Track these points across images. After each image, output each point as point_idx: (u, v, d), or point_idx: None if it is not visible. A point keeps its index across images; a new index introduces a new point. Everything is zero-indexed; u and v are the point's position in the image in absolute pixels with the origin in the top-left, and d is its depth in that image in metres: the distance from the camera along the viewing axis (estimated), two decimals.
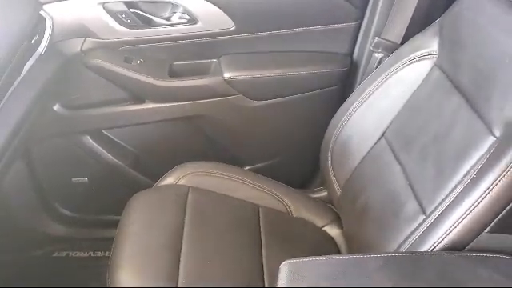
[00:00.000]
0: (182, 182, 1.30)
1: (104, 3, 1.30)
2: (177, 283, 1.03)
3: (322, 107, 1.42)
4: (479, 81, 0.95)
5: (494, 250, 0.79)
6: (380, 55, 1.32)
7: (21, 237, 1.51)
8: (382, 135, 1.20)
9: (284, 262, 0.76)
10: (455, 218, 0.81)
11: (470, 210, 0.79)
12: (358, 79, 1.40)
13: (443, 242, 0.81)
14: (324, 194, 1.43)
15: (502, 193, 0.78)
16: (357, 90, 1.28)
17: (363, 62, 1.39)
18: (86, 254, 1.60)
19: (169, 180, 1.31)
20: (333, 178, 1.31)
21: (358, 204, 1.18)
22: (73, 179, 1.53)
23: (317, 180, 1.60)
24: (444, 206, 0.84)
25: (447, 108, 1.02)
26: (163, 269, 1.06)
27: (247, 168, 1.56)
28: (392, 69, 1.20)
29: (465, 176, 0.85)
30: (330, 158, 1.32)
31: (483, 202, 0.79)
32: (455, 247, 0.80)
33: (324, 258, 0.75)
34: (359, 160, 1.23)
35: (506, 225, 0.80)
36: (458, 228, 0.80)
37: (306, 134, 1.48)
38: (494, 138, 0.85)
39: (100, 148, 1.49)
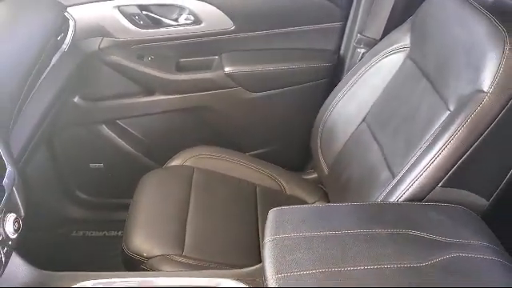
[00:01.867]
0: (187, 163, 1.46)
1: (119, 6, 1.47)
2: (183, 248, 1.18)
3: (313, 98, 1.57)
4: (440, 67, 1.11)
5: (445, 201, 0.95)
6: (362, 50, 1.48)
7: (44, 217, 1.65)
8: (363, 119, 1.35)
9: (271, 210, 0.93)
10: (414, 175, 0.97)
11: (426, 168, 0.95)
12: (344, 72, 1.55)
13: (404, 196, 0.97)
14: (314, 175, 1.58)
15: (451, 154, 0.94)
16: (341, 82, 1.43)
17: (348, 57, 1.55)
18: (100, 234, 1.74)
19: (176, 161, 1.47)
20: (321, 159, 1.46)
21: (341, 180, 1.33)
22: (90, 164, 1.69)
23: (308, 164, 1.74)
24: (406, 167, 1.00)
25: (416, 92, 1.18)
26: (171, 234, 1.21)
27: (247, 154, 1.71)
28: (371, 61, 1.36)
29: (424, 143, 1.01)
30: (319, 142, 1.47)
31: (436, 161, 0.95)
32: (414, 200, 0.96)
33: (303, 206, 0.91)
34: (344, 142, 1.39)
35: (455, 181, 0.96)
36: (416, 184, 0.96)
37: (299, 122, 1.62)
38: (449, 112, 1.01)
39: (115, 136, 1.65)
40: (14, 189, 0.91)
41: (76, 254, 1.66)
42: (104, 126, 1.64)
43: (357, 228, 0.85)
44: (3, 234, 0.86)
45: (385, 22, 1.43)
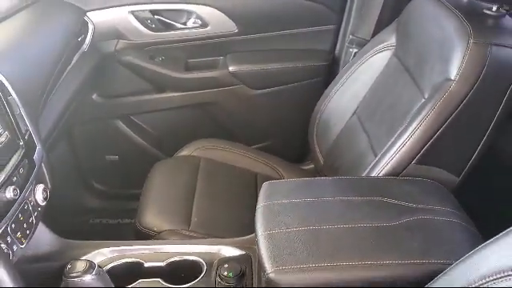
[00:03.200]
0: (195, 153, 1.60)
1: (133, 11, 1.62)
2: (189, 224, 1.31)
3: (310, 94, 1.69)
4: (418, 61, 1.24)
5: (419, 177, 1.08)
6: (354, 50, 1.62)
7: (63, 206, 1.79)
8: (354, 112, 1.48)
9: (264, 183, 1.06)
10: (391, 154, 1.10)
11: (401, 147, 1.09)
12: (339, 71, 1.68)
13: (382, 172, 1.10)
14: (311, 166, 1.71)
15: (423, 134, 1.07)
16: (335, 79, 1.57)
17: (342, 57, 1.69)
18: (115, 222, 1.87)
19: (185, 152, 1.62)
20: (317, 150, 1.59)
21: (334, 168, 1.46)
22: (106, 157, 1.84)
23: (306, 156, 1.87)
24: (385, 148, 1.13)
25: (399, 85, 1.31)
26: (179, 212, 1.34)
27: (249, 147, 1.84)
28: (362, 59, 1.49)
29: (402, 127, 1.14)
30: (315, 135, 1.60)
31: (409, 141, 1.08)
32: (391, 175, 1.09)
33: (292, 179, 1.05)
34: (337, 134, 1.51)
35: (427, 158, 1.09)
36: (393, 161, 1.09)
37: (297, 116, 1.75)
38: (424, 99, 1.14)
39: (129, 130, 1.80)
40: (42, 164, 1.06)
41: (94, 239, 1.79)
42: (119, 121, 1.79)
43: (336, 196, 0.98)
44: (34, 200, 1.00)
45: (374, 24, 1.56)
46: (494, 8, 1.13)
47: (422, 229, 0.91)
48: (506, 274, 0.66)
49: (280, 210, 0.95)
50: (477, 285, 0.71)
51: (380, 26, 1.54)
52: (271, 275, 0.83)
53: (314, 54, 1.73)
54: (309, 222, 0.91)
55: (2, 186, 0.88)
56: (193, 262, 1.09)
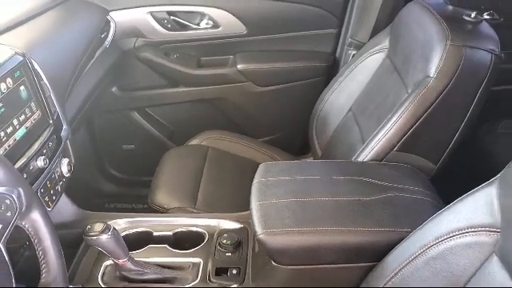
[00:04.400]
0: (203, 143, 1.76)
1: (152, 12, 1.77)
2: (195, 203, 1.46)
3: (311, 92, 1.82)
4: (404, 61, 1.37)
5: (398, 163, 1.21)
6: (353, 52, 1.75)
7: (81, 191, 1.94)
8: (350, 109, 1.61)
9: (261, 164, 1.20)
10: (375, 141, 1.23)
11: (384, 136, 1.21)
12: (339, 72, 1.82)
13: (366, 158, 1.23)
14: (310, 158, 1.85)
15: (403, 124, 1.20)
16: (334, 78, 1.70)
17: (342, 58, 1.82)
18: (129, 206, 2.01)
19: (194, 141, 1.77)
20: (316, 143, 1.71)
21: (330, 158, 1.59)
22: (123, 146, 2.00)
23: (306, 149, 1.99)
24: (371, 136, 1.26)
25: (389, 83, 1.44)
26: (186, 192, 1.49)
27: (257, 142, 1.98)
28: (358, 60, 1.62)
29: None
30: (314, 129, 1.73)
31: (391, 130, 1.21)
32: (374, 160, 1.22)
33: (286, 161, 1.19)
34: (334, 129, 1.64)
35: (407, 146, 1.21)
36: (377, 147, 1.22)
37: (299, 113, 1.88)
38: (407, 94, 1.27)
39: (144, 122, 1.96)
40: (67, 141, 1.21)
41: None
42: (136, 113, 1.95)
43: (322, 175, 1.12)
44: (60, 171, 1.16)
45: (371, 28, 1.69)
46: (473, 15, 1.25)
47: (394, 204, 1.04)
48: (452, 234, 0.80)
49: (272, 185, 1.09)
50: (430, 245, 0.84)
51: (377, 31, 1.66)
52: (261, 236, 0.96)
53: (316, 55, 1.86)
54: (296, 195, 1.05)
55: (35, 155, 1.03)
56: (196, 232, 1.23)
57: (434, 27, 1.25)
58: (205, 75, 1.86)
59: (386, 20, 1.64)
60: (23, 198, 0.75)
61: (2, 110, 0.96)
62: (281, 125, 1.97)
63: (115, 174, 2.06)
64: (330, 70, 1.85)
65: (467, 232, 0.79)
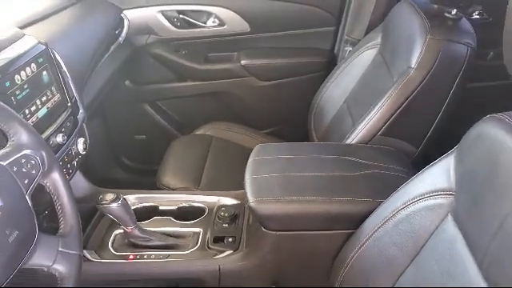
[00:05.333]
0: (208, 133, 1.89)
1: (163, 11, 1.92)
2: (199, 184, 1.59)
3: (311, 87, 1.93)
4: (392, 54, 1.49)
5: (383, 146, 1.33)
6: (349, 48, 1.87)
7: (94, 177, 2.08)
8: (345, 101, 1.73)
9: (257, 145, 1.32)
10: (362, 126, 1.35)
11: (369, 121, 1.33)
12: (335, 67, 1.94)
13: (353, 142, 1.35)
14: None
15: (387, 110, 1.32)
16: (331, 73, 1.82)
17: (340, 55, 1.94)
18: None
19: (200, 131, 1.90)
20: (314, 134, 1.83)
21: None
22: (135, 136, 2.14)
23: (305, 140, 2.10)
24: (359, 121, 1.38)
25: (379, 75, 1.55)
26: (191, 175, 1.63)
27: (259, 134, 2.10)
28: (353, 56, 1.74)
29: None
30: (312, 121, 1.86)
31: (376, 115, 1.32)
32: (361, 143, 1.34)
33: (279, 143, 1.31)
34: (329, 119, 1.76)
35: (391, 131, 1.33)
36: (363, 131, 1.34)
37: (299, 106, 1.98)
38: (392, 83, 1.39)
39: (154, 113, 2.10)
40: (83, 124, 1.35)
41: None
42: (147, 105, 2.09)
43: (311, 154, 1.24)
44: (76, 149, 1.29)
45: (366, 27, 1.80)
46: (453, 12, 1.37)
47: (373, 179, 1.15)
48: (417, 199, 0.92)
49: (265, 163, 1.21)
50: (398, 210, 0.96)
51: (370, 29, 1.78)
52: (252, 204, 1.09)
53: (315, 51, 1.99)
54: (285, 170, 1.17)
55: (54, 132, 1.17)
56: (198, 207, 1.36)
57: (417, 23, 1.36)
58: (211, 70, 1.99)
59: (379, 19, 1.75)
60: (45, 159, 0.88)
61: (27, 90, 1.09)
62: (281, 117, 2.09)
63: (127, 163, 2.19)
64: (329, 65, 1.96)
65: (429, 196, 0.90)
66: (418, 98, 1.30)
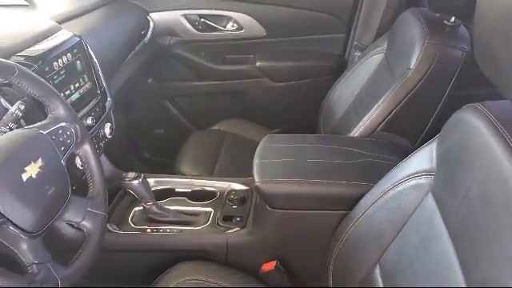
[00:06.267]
0: (223, 128, 2.03)
1: (185, 15, 2.07)
2: (212, 172, 1.72)
3: (322, 90, 2.03)
4: (395, 58, 1.60)
5: None
6: (358, 53, 1.99)
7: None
8: (352, 102, 1.85)
9: (266, 135, 1.45)
10: (363, 121, 1.46)
11: (370, 116, 1.45)
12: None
13: (356, 135, 1.47)
14: None
15: (387, 107, 1.43)
16: (340, 77, 1.94)
17: (350, 60, 2.07)
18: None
19: (215, 127, 2.04)
20: (322, 133, 1.95)
21: None
22: (154, 130, 2.29)
23: None
24: (362, 117, 1.50)
25: (382, 77, 1.66)
26: (206, 164, 1.76)
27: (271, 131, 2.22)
28: (362, 60, 1.86)
29: None
30: (321, 121, 1.97)
31: (376, 112, 1.44)
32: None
33: (287, 134, 1.44)
34: (337, 120, 1.87)
35: (390, 126, 1.44)
36: (364, 126, 1.46)
37: (309, 106, 2.09)
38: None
39: (174, 110, 2.24)
40: (110, 111, 1.49)
41: None
42: (167, 102, 2.23)
43: (315, 144, 1.36)
44: (103, 132, 1.43)
45: (374, 33, 1.93)
46: (452, 19, 1.49)
47: (367, 166, 1.27)
48: (403, 180, 1.03)
49: (271, 150, 1.34)
50: (387, 190, 1.08)
51: (378, 35, 1.90)
52: (258, 184, 1.21)
53: (327, 56, 2.12)
54: (290, 156, 1.30)
55: (85, 115, 1.31)
56: (210, 191, 1.49)
57: (418, 28, 1.48)
58: (228, 71, 2.14)
59: (387, 26, 1.87)
60: (79, 132, 1.02)
61: (63, 76, 1.24)
62: (292, 116, 2.21)
63: (146, 156, 2.33)
64: (339, 69, 2.07)
65: (414, 177, 1.01)
66: (415, 97, 1.42)
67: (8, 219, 0.79)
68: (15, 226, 0.81)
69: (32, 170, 0.85)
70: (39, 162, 0.87)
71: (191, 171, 1.72)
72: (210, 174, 1.70)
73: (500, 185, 0.73)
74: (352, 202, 1.18)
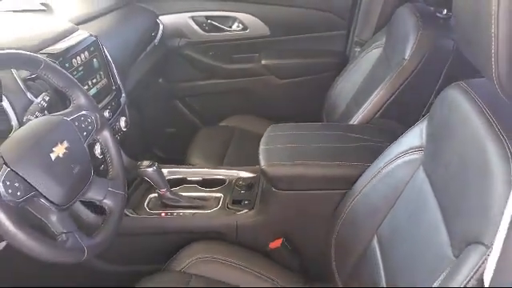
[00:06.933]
0: (231, 124, 2.12)
1: (193, 17, 2.17)
2: (222, 164, 1.82)
3: (324, 85, 2.12)
4: (392, 50, 1.69)
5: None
6: (358, 49, 2.08)
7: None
8: (353, 95, 1.93)
9: (270, 125, 1.54)
10: (362, 109, 1.56)
11: (369, 104, 1.54)
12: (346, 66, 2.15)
13: (356, 122, 1.56)
14: None
15: (384, 95, 1.52)
16: (342, 71, 2.04)
17: (351, 55, 2.16)
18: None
19: (224, 123, 2.14)
20: None
21: None
22: (166, 129, 2.39)
23: None
24: (361, 106, 1.59)
25: (382, 68, 1.75)
26: (215, 157, 1.86)
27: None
28: (362, 55, 1.95)
29: None
30: (324, 114, 2.06)
31: (374, 100, 1.53)
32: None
33: (290, 123, 1.53)
34: (340, 112, 1.96)
35: (387, 114, 1.53)
36: (363, 114, 1.55)
37: (313, 102, 2.18)
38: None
39: (184, 108, 2.34)
40: (125, 106, 1.60)
41: None
42: (177, 101, 2.33)
43: (317, 131, 1.46)
44: (119, 125, 1.54)
45: (373, 29, 2.02)
46: (444, 12, 1.58)
47: (366, 148, 1.36)
48: (397, 156, 1.12)
49: (276, 137, 1.44)
50: (382, 167, 1.17)
51: (377, 31, 1.99)
52: (264, 167, 1.31)
53: (328, 53, 2.22)
54: (293, 142, 1.39)
55: (102, 108, 1.42)
56: (219, 178, 1.58)
57: (412, 21, 1.57)
58: (235, 69, 2.24)
59: (385, 21, 1.96)
60: (98, 120, 1.12)
61: (82, 72, 1.34)
62: (297, 111, 2.28)
63: (158, 154, 2.43)
64: (340, 65, 2.15)
65: (406, 153, 1.10)
66: (410, 85, 1.51)
67: (40, 193, 0.89)
68: (46, 199, 0.90)
69: (59, 151, 0.95)
70: (65, 144, 0.97)
71: (201, 163, 1.82)
72: (220, 165, 1.79)
73: (476, 149, 0.82)
74: (351, 182, 1.26)
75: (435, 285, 0.80)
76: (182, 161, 2.28)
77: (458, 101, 0.95)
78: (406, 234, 1.01)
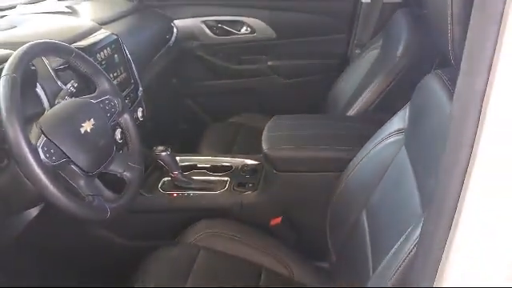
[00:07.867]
0: (238, 121, 2.28)
1: (205, 21, 2.34)
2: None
3: (326, 85, 2.27)
4: (387, 50, 1.84)
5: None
6: (358, 51, 2.23)
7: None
8: (353, 92, 2.08)
9: (274, 117, 1.69)
10: (359, 103, 1.70)
11: (364, 97, 1.69)
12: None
13: (352, 113, 1.70)
14: None
15: (377, 89, 1.67)
16: (343, 72, 2.18)
17: (351, 57, 2.31)
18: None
19: (231, 120, 2.29)
20: None
21: None
22: (178, 125, 2.54)
23: None
24: (357, 99, 1.73)
25: (377, 66, 1.90)
26: (223, 148, 2.01)
27: None
28: (361, 56, 2.09)
29: None
30: (326, 112, 2.21)
31: (369, 94, 1.68)
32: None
33: (291, 115, 1.68)
34: (340, 110, 2.11)
35: (380, 106, 1.67)
36: (359, 106, 1.69)
37: (315, 100, 2.33)
38: None
39: (195, 107, 2.50)
40: (141, 99, 1.76)
41: None
42: (189, 100, 2.50)
43: (316, 121, 1.61)
44: (136, 115, 1.69)
45: (372, 32, 2.17)
46: None
47: (358, 135, 1.49)
48: (384, 137, 1.26)
49: (278, 126, 1.59)
50: (372, 148, 1.30)
51: (376, 33, 2.14)
52: (266, 151, 1.45)
53: (330, 55, 2.37)
54: (295, 130, 1.54)
55: None
56: (226, 165, 1.73)
57: (406, 23, 1.72)
58: (243, 70, 2.41)
59: (382, 25, 2.11)
60: (120, 104, 1.28)
61: (104, 66, 1.50)
62: (300, 109, 2.39)
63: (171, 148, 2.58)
64: (341, 66, 2.30)
65: (391, 135, 1.24)
66: (402, 79, 1.65)
67: (71, 160, 1.05)
68: (76, 165, 1.06)
69: (87, 126, 1.11)
70: (92, 121, 1.13)
71: (211, 154, 1.96)
72: (229, 152, 1.95)
73: (443, 121, 0.96)
74: (344, 164, 1.40)
75: (403, 238, 0.93)
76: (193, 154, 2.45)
77: (433, 88, 1.09)
78: (389, 202, 1.15)
